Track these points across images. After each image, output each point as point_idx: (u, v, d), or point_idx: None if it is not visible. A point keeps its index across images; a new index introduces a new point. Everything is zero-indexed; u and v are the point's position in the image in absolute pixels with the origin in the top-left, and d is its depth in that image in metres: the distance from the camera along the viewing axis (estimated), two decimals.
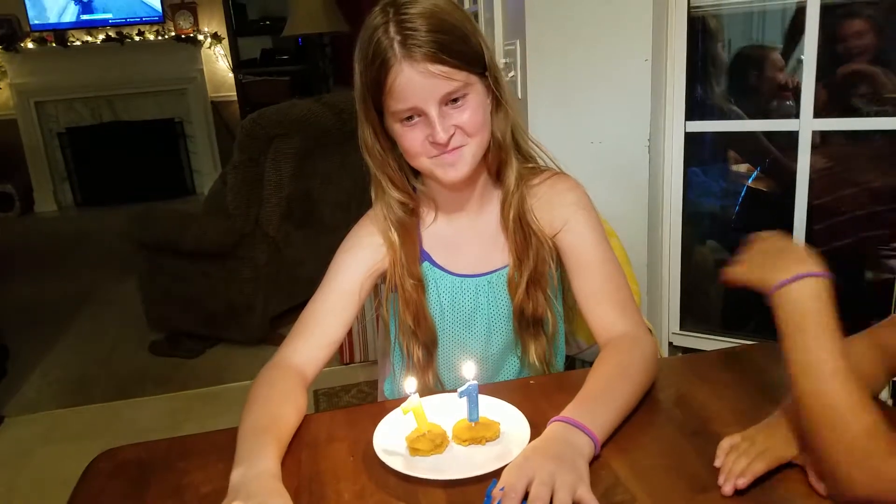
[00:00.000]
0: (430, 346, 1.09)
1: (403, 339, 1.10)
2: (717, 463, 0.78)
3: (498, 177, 1.06)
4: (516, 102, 1.05)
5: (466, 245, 1.08)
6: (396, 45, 0.89)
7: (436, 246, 1.08)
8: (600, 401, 0.86)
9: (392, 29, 0.90)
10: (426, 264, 1.07)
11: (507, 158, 1.03)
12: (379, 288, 1.13)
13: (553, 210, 1.05)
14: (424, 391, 1.08)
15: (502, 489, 0.72)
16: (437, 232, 1.08)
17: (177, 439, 0.93)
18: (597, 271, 1.03)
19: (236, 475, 0.76)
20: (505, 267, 1.08)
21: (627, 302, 1.02)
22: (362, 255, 1.05)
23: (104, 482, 0.84)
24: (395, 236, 1.04)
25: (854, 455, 0.70)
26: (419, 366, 1.10)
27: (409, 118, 0.94)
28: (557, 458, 0.75)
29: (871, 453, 0.69)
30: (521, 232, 1.04)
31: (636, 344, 0.97)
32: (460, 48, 0.92)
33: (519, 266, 1.06)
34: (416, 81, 0.90)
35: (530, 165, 1.08)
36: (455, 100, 0.94)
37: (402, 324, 1.08)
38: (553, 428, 0.81)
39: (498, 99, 1.00)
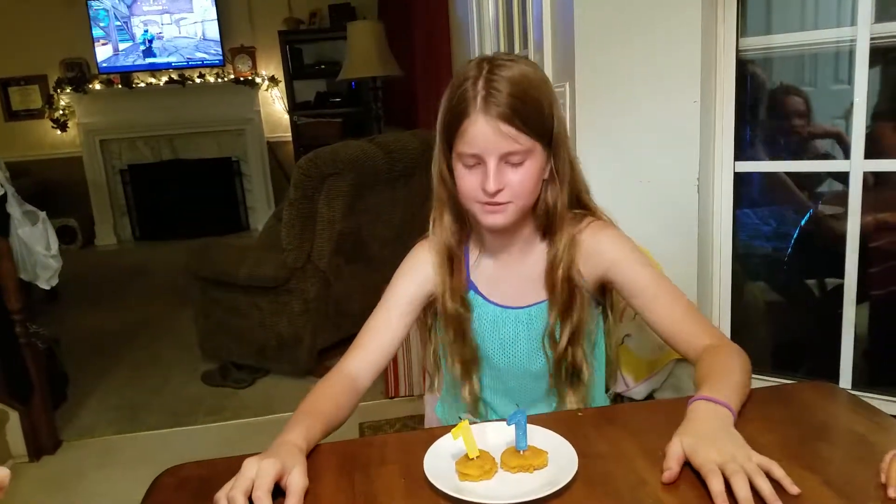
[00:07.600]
0: (468, 363, 1.18)
1: (446, 354, 1.20)
2: (883, 478, 0.77)
3: (544, 234, 1.13)
4: (578, 166, 1.15)
5: (507, 281, 1.16)
6: (479, 99, 1.01)
7: (480, 277, 1.17)
8: (725, 384, 0.94)
9: (480, 84, 1.01)
10: (471, 293, 1.16)
11: (558, 225, 1.11)
12: (430, 311, 1.22)
13: (594, 257, 1.12)
14: (460, 407, 1.20)
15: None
16: (481, 267, 1.17)
17: (235, 458, 0.96)
18: (666, 299, 1.09)
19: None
20: (543, 302, 1.14)
21: (702, 318, 1.10)
22: (414, 277, 1.16)
23: (170, 495, 0.88)
24: (444, 260, 1.14)
25: None
26: (458, 381, 1.19)
27: (471, 164, 1.04)
28: (720, 438, 0.83)
29: None
30: (567, 290, 1.11)
31: (732, 351, 1.03)
32: (533, 117, 1.02)
33: (561, 324, 1.12)
34: (486, 134, 1.00)
35: (579, 212, 1.15)
36: (514, 161, 1.02)
37: (444, 340, 1.18)
38: (698, 407, 0.89)
39: (553, 171, 1.08)
